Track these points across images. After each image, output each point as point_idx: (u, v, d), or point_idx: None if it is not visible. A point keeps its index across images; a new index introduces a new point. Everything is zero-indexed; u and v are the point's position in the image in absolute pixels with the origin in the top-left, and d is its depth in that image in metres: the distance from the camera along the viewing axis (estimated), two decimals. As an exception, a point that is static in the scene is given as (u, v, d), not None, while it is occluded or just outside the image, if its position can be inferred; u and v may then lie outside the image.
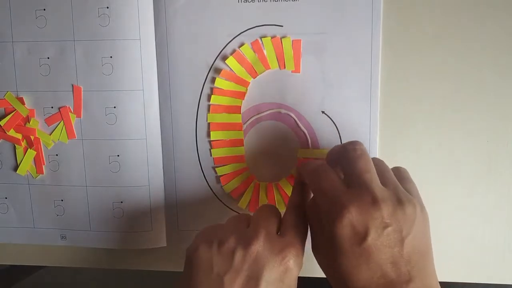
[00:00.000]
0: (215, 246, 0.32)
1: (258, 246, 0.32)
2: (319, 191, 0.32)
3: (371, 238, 0.29)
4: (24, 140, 0.43)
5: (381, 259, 0.29)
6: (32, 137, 0.42)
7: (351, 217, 0.29)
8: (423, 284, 0.29)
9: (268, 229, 0.33)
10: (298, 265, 0.33)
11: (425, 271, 0.30)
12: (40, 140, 0.42)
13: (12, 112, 0.42)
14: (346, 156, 0.33)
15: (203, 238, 0.34)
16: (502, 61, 0.39)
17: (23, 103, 0.42)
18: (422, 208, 0.32)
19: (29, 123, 0.42)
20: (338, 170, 0.34)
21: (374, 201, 0.29)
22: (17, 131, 0.42)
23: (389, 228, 0.29)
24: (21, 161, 0.43)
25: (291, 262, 0.32)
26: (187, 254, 0.33)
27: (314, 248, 0.34)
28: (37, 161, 0.43)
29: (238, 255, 0.31)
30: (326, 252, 0.32)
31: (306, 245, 0.34)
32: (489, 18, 0.39)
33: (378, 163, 0.34)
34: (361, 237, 0.29)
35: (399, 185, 0.32)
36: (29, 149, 0.43)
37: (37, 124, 0.42)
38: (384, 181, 0.32)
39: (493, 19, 0.39)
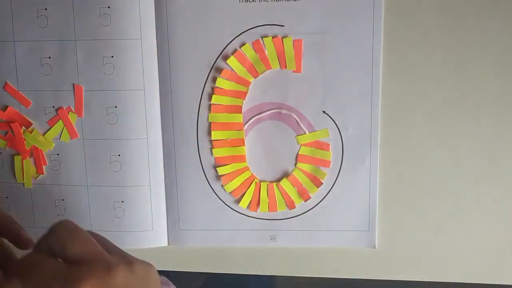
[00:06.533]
0: None
1: None
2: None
3: None
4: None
5: None
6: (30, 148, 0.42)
7: None
8: None
9: None
10: None
11: None
12: (39, 147, 0.42)
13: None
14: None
15: None
16: (503, 60, 0.39)
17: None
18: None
19: (30, 133, 0.42)
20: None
21: (108, 268, 0.26)
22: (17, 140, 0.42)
23: None
24: (19, 170, 0.43)
25: None
26: None
27: None
28: (37, 162, 0.43)
29: None
30: None
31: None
32: (490, 17, 0.39)
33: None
34: None
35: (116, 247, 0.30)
36: (25, 160, 0.42)
37: (38, 136, 0.42)
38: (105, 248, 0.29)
39: (494, 18, 0.39)
